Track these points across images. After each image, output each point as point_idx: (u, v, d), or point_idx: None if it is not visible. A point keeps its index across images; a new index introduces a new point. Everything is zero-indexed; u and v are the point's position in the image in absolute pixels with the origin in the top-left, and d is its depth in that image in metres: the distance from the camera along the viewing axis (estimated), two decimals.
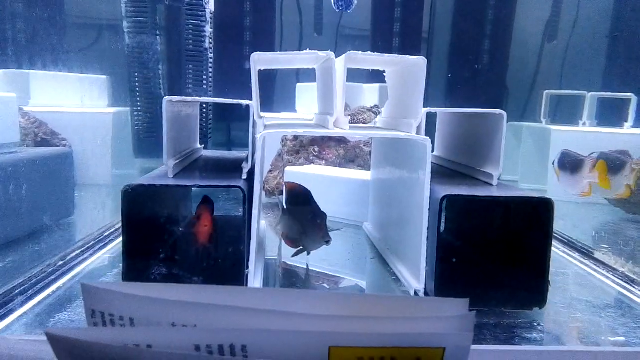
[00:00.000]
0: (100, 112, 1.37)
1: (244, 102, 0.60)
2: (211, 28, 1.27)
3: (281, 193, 1.11)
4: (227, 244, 0.58)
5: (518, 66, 1.94)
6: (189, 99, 0.57)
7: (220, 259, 0.56)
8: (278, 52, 0.63)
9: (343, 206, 0.97)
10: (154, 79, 1.23)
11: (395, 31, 1.97)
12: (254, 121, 0.61)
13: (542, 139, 1.35)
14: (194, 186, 0.54)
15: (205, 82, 1.29)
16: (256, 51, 0.60)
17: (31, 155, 0.79)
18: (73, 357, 0.27)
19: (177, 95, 0.60)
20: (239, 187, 0.55)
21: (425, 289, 0.57)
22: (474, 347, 0.27)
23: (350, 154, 1.15)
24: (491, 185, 0.60)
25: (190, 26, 1.23)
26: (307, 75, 1.75)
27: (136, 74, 1.26)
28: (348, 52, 0.61)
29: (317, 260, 0.73)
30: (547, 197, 0.54)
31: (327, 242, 0.61)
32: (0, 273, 0.64)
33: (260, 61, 0.62)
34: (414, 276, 0.60)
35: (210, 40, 1.27)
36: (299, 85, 1.71)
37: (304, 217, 0.64)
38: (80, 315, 0.52)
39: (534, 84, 2.03)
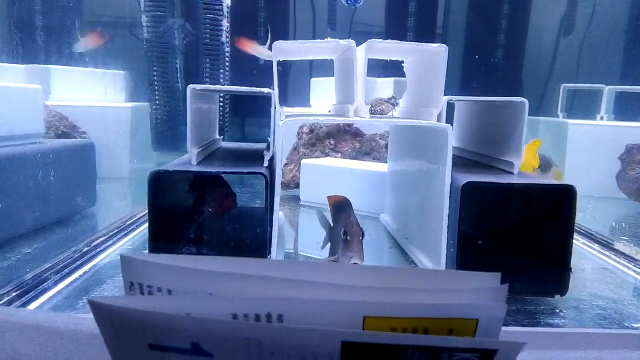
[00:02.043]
0: (119, 106, 1.39)
1: (265, 90, 0.61)
2: (228, 22, 1.28)
3: (297, 185, 1.12)
4: (250, 229, 0.59)
5: (533, 60, 1.93)
6: (212, 87, 0.57)
7: (244, 241, 0.57)
8: (299, 41, 0.64)
9: (359, 198, 0.98)
10: (172, 73, 1.24)
11: (409, 26, 1.97)
12: (275, 110, 0.62)
13: (559, 133, 1.34)
14: (217, 172, 0.55)
15: (222, 75, 1.30)
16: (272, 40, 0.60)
17: (57, 146, 0.80)
18: (113, 324, 0.28)
19: None
20: (262, 174, 0.56)
21: None
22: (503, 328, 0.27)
23: (366, 147, 1.16)
24: (512, 173, 0.60)
25: (208, 20, 1.24)
26: (320, 69, 1.76)
27: (154, 68, 1.27)
28: (369, 40, 0.61)
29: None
30: (569, 184, 0.54)
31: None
32: (29, 258, 0.65)
33: (281, 50, 0.63)
34: (434, 264, 0.60)
35: (227, 34, 1.28)
36: (313, 79, 1.71)
37: (337, 233, 0.56)
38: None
39: (549, 78, 2.01)
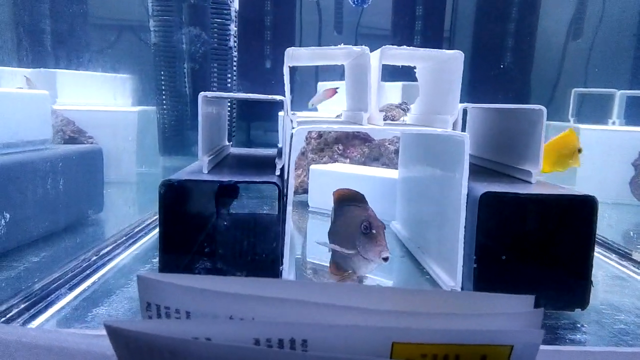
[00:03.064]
0: (126, 110, 1.38)
1: (277, 97, 0.60)
2: (236, 26, 1.27)
3: (305, 191, 1.11)
4: (263, 239, 0.58)
5: (542, 64, 1.91)
6: (224, 94, 0.56)
7: (257, 252, 0.56)
8: (312, 47, 0.63)
9: (369, 204, 0.96)
10: (179, 77, 1.23)
11: (417, 29, 1.95)
12: (286, 117, 0.61)
13: None
14: (229, 182, 0.54)
15: (229, 80, 1.29)
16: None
17: (65, 152, 0.79)
18: (130, 349, 0.27)
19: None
20: (274, 183, 0.54)
21: (462, 288, 0.56)
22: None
23: (375, 152, 1.14)
24: (529, 182, 0.59)
25: (216, 25, 1.23)
26: (327, 73, 1.75)
27: (162, 73, 1.26)
28: (383, 46, 0.60)
29: None
30: (591, 195, 0.52)
31: (385, 259, 0.49)
32: (37, 267, 0.64)
33: (293, 56, 0.62)
34: (450, 275, 0.59)
35: (235, 39, 1.28)
36: (320, 83, 1.70)
37: (353, 227, 0.53)
38: (117, 309, 0.52)
39: (557, 83, 1.99)
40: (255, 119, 2.01)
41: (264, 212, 1.07)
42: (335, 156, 1.14)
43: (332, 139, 1.16)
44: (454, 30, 2.02)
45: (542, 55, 1.91)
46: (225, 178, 0.54)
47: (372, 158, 1.14)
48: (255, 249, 0.58)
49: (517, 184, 0.58)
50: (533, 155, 0.59)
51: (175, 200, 0.54)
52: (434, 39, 1.94)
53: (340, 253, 0.55)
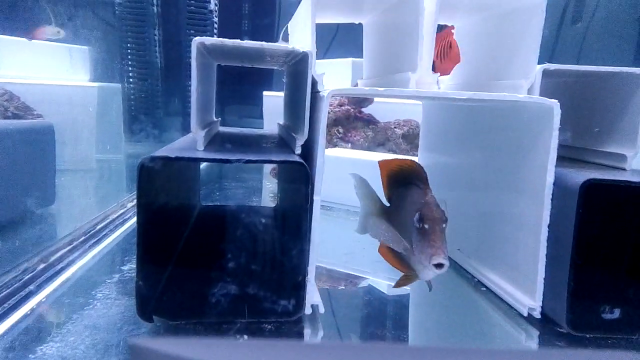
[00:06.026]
0: (82, 85, 1.18)
1: (300, 48, 0.44)
2: None
3: None
4: (283, 243, 0.42)
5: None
6: (228, 41, 0.41)
7: (276, 263, 0.41)
8: None
9: (381, 196, 0.82)
10: (149, 46, 1.04)
11: None
12: (312, 78, 0.45)
13: None
14: (240, 161, 0.38)
15: None
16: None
17: (5, 127, 0.61)
18: None
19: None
20: (301, 163, 0.39)
21: (543, 308, 0.43)
22: None
23: (380, 137, 1.00)
24: (623, 169, 0.46)
25: None
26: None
27: (128, 40, 1.07)
28: None
29: (368, 262, 0.58)
30: None
31: (438, 266, 0.36)
32: None
33: (320, 2, 0.46)
34: (522, 290, 0.45)
35: (216, 2, 1.09)
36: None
37: (409, 216, 0.39)
38: (75, 347, 0.36)
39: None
40: (230, 102, 1.83)
41: (252, 202, 0.91)
42: (335, 140, 0.99)
43: (331, 120, 1.01)
44: None
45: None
46: (234, 157, 0.38)
47: (376, 143, 1.00)
48: (274, 255, 0.42)
49: (612, 171, 0.45)
50: (628, 134, 0.46)
51: (160, 185, 0.38)
52: None
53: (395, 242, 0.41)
